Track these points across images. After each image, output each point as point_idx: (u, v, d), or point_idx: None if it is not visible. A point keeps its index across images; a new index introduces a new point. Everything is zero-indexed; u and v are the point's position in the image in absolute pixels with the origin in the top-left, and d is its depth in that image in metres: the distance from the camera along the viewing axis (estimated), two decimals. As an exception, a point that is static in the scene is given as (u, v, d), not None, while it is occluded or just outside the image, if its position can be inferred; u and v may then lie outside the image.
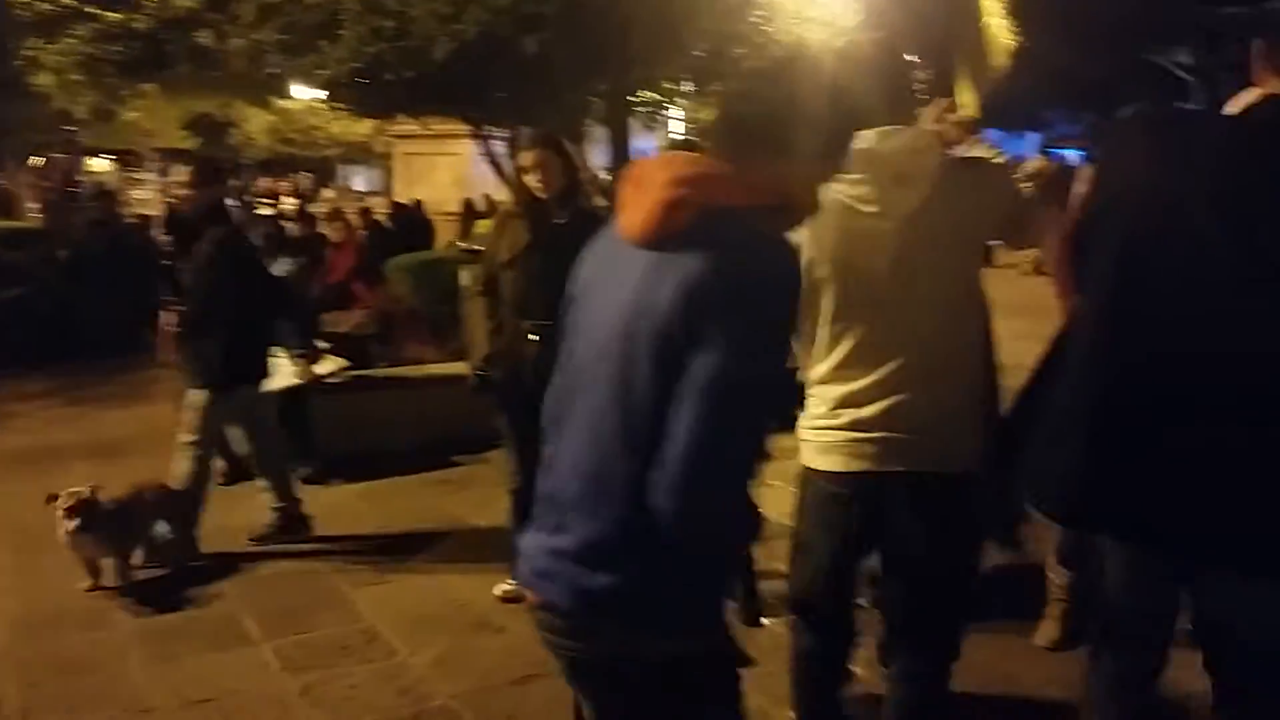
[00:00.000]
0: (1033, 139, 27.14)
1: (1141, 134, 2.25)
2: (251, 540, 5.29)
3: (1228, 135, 2.11)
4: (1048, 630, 3.88)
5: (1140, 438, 2.06)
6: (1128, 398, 2.10)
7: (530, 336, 4.09)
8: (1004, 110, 25.13)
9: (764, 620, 4.11)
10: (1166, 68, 16.48)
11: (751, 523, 1.77)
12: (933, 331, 2.58)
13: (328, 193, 30.84)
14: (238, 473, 6.35)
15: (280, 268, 8.55)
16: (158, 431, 7.56)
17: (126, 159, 31.44)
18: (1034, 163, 3.42)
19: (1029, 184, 2.94)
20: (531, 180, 4.13)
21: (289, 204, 17.70)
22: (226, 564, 5.05)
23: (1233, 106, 2.12)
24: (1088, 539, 3.60)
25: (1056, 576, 3.86)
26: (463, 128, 11.55)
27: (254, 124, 28.85)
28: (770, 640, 3.92)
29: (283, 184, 26.87)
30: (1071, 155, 25.77)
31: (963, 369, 2.67)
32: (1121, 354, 2.11)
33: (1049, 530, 3.80)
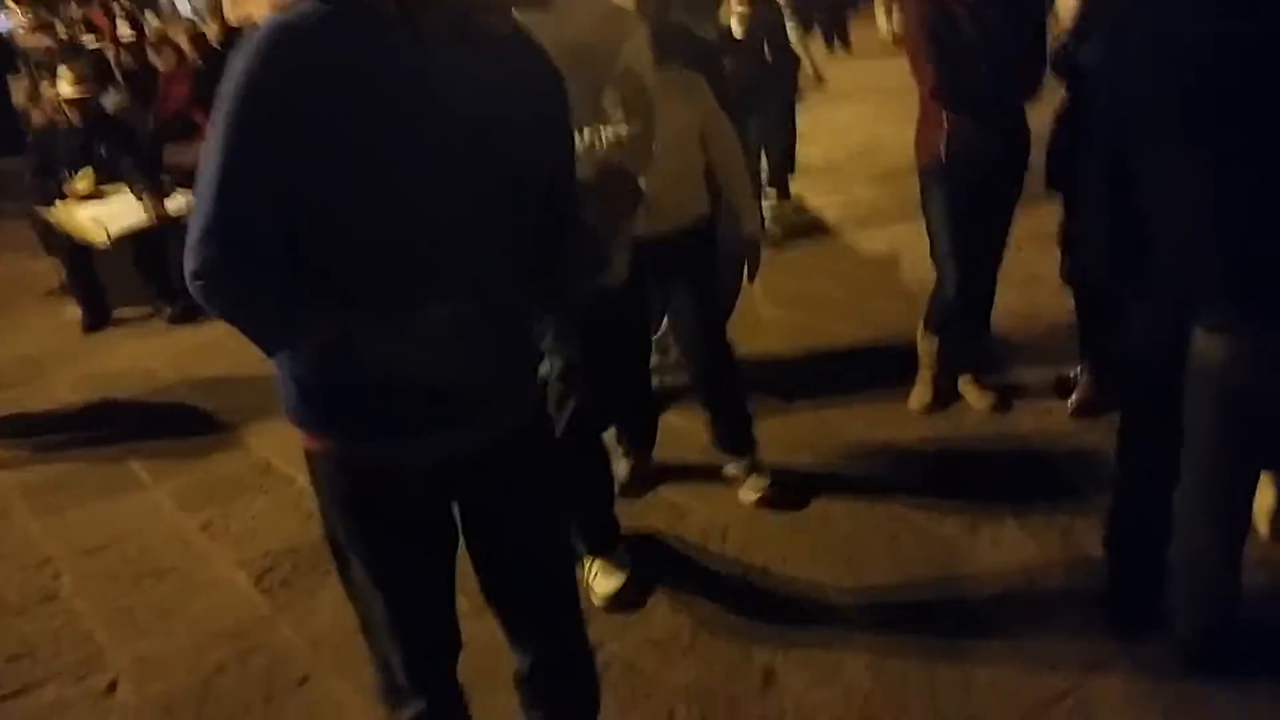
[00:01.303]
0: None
1: None
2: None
3: None
4: (920, 395, 4.10)
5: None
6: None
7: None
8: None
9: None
10: None
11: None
12: None
13: (152, 19, 28.66)
14: (100, 318, 6.15)
15: (110, 101, 8.04)
16: (3, 284, 7.22)
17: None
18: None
19: None
20: None
21: (126, 33, 16.39)
22: (108, 411, 4.93)
23: None
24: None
25: (926, 343, 4.05)
26: (288, -64, 10.78)
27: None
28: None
29: (98, 13, 24.82)
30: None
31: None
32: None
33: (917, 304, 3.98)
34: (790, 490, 3.54)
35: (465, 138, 1.60)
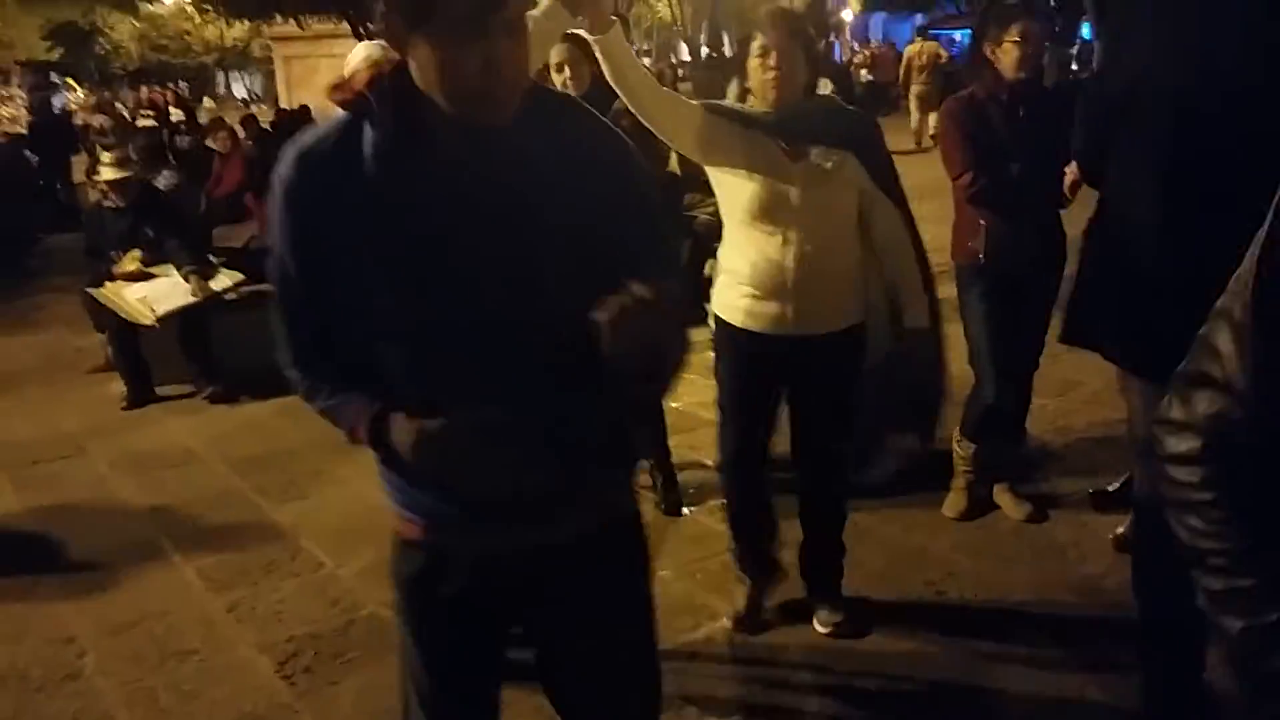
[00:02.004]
0: (918, 19, 27.23)
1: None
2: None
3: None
4: (955, 501, 4.05)
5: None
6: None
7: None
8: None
9: (685, 510, 4.22)
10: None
11: None
12: None
13: (208, 102, 29.61)
14: (142, 395, 6.24)
15: (163, 181, 8.26)
16: (52, 360, 7.36)
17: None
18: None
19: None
20: None
21: (176, 114, 16.97)
22: (143, 488, 4.97)
23: None
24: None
25: (962, 449, 4.02)
26: (343, 28, 11.17)
27: (121, 31, 27.42)
28: (694, 529, 4.05)
29: (156, 93, 25.72)
30: (957, 35, 25.99)
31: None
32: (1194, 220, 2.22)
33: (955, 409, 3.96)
34: (859, 622, 3.33)
35: (483, 233, 1.56)
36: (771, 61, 2.83)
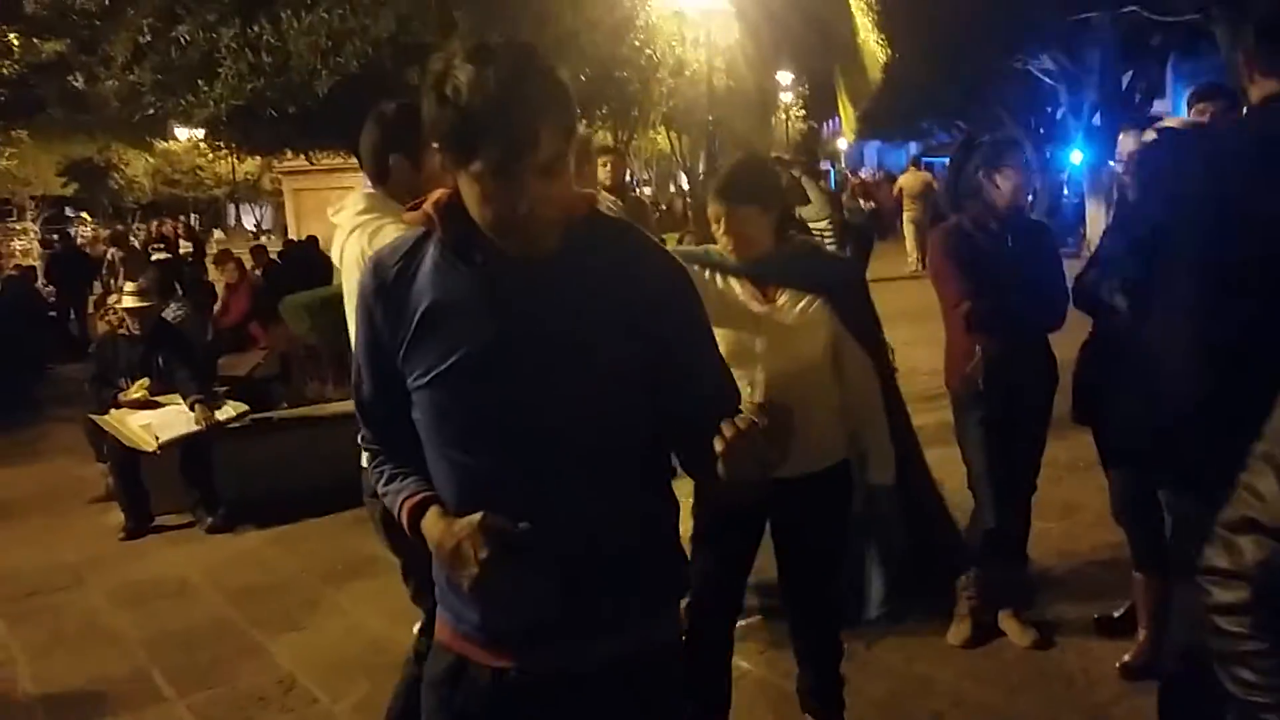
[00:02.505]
0: (912, 148, 27.87)
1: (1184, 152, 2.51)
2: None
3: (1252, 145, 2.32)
4: (959, 629, 3.99)
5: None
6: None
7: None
8: (884, 121, 25.85)
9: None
10: (1032, 73, 17.19)
11: None
12: None
13: (218, 233, 30.19)
14: (141, 525, 6.21)
15: (170, 313, 8.40)
16: (54, 490, 7.35)
17: (3, 210, 30.35)
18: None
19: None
20: None
21: (186, 247, 17.32)
22: (138, 620, 4.91)
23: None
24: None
25: (966, 576, 3.97)
26: (351, 161, 11.47)
27: (135, 167, 28.12)
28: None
29: (167, 225, 26.26)
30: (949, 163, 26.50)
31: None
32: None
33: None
34: None
35: (525, 355, 1.61)
36: (722, 228, 2.88)
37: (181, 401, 6.23)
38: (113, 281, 6.98)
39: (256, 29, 9.15)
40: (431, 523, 1.66)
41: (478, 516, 1.57)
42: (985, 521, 3.82)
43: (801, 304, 2.90)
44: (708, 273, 2.94)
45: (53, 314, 14.45)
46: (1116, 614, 3.91)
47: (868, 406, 2.96)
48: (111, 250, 16.34)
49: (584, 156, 3.71)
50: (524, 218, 1.55)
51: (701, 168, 34.15)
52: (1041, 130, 22.73)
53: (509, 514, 1.58)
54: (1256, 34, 2.34)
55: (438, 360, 1.64)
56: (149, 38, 9.62)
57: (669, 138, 34.06)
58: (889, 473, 2.97)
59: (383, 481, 1.79)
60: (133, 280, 6.56)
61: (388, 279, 1.69)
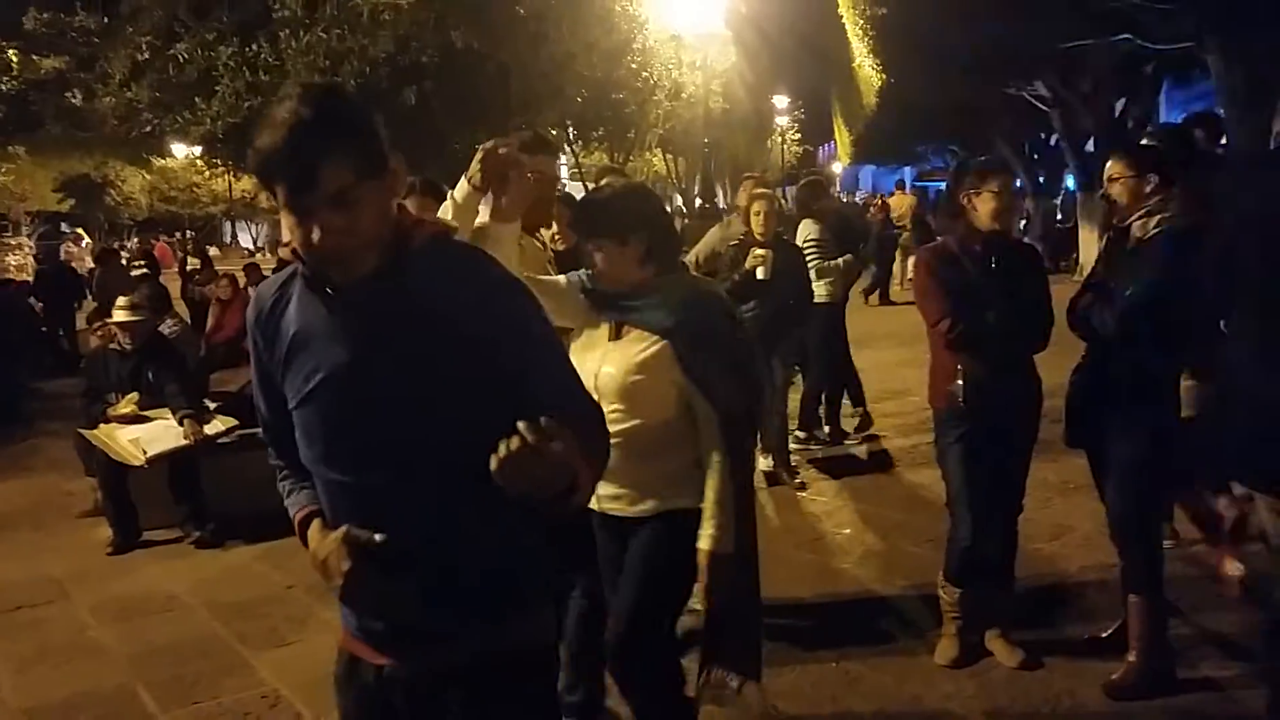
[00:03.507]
0: (908, 172, 28.03)
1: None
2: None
3: None
4: (946, 648, 3.98)
5: None
6: None
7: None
8: (879, 145, 26.02)
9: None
10: (1026, 99, 17.31)
11: None
12: None
13: (213, 250, 30.22)
14: (129, 539, 6.18)
15: (166, 328, 8.40)
16: (42, 504, 7.32)
17: (-2, 224, 30.38)
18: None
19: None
20: None
21: (194, 263, 17.33)
22: (123, 635, 4.89)
23: None
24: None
25: (947, 595, 3.96)
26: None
27: (132, 183, 28.16)
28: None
29: (162, 241, 26.27)
30: (943, 187, 26.70)
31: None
32: None
33: (936, 554, 3.95)
34: None
35: (377, 376, 1.75)
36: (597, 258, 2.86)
37: (170, 416, 6.22)
38: (104, 298, 7.02)
39: (254, 48, 9.21)
40: (311, 535, 1.87)
41: (343, 530, 1.76)
42: (960, 540, 3.81)
43: (644, 344, 2.81)
44: (581, 297, 2.94)
45: (44, 329, 14.44)
46: (1105, 634, 3.90)
47: (707, 466, 2.78)
48: (98, 267, 16.38)
49: (549, 189, 3.59)
50: (320, 245, 1.68)
51: (697, 190, 34.35)
52: (1036, 156, 22.88)
53: (372, 524, 1.75)
54: None
55: (303, 383, 1.81)
56: (147, 55, 9.68)
57: (665, 160, 34.27)
58: (708, 537, 2.74)
59: (285, 496, 1.98)
60: (123, 294, 6.55)
61: (264, 310, 1.88)
